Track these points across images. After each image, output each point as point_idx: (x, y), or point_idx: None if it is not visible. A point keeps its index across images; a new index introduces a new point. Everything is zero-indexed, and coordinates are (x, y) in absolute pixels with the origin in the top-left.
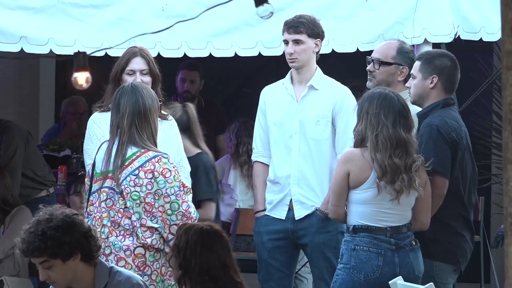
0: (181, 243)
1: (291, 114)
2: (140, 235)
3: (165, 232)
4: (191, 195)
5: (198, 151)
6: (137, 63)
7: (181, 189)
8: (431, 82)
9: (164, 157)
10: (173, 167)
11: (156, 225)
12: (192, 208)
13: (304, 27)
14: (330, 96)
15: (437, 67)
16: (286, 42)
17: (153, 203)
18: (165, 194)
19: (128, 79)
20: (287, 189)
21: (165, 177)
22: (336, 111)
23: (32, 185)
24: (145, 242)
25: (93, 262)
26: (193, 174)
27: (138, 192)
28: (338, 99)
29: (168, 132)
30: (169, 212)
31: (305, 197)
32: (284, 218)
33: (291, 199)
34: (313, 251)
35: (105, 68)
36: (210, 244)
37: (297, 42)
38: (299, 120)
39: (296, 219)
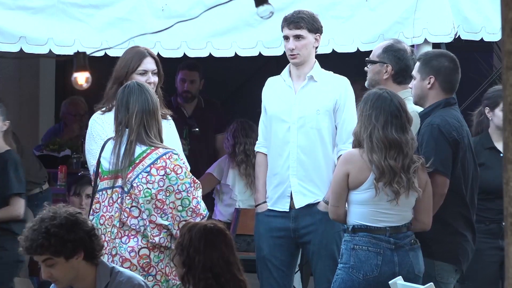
0: (185, 241)
1: (290, 105)
2: (149, 233)
3: (174, 229)
4: (200, 190)
5: (8, 148)
6: (149, 63)
7: (192, 185)
8: (429, 83)
9: (175, 154)
10: (184, 163)
11: (166, 222)
12: (202, 204)
13: (304, 22)
14: (333, 88)
15: (434, 67)
16: (286, 38)
17: (164, 200)
18: (177, 191)
19: (140, 79)
20: (287, 181)
21: (176, 174)
22: (340, 102)
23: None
24: (153, 241)
25: (95, 262)
26: (1, 170)
27: (150, 189)
28: (342, 90)
29: (167, 130)
30: (180, 208)
31: (305, 188)
32: (287, 210)
33: (291, 190)
34: (316, 248)
35: (105, 68)
36: (214, 241)
37: (298, 37)
38: (298, 111)
39: (296, 207)
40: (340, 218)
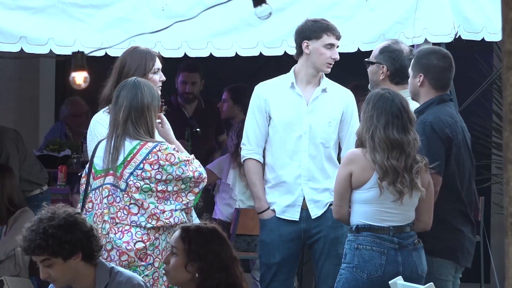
0: (200, 246)
1: (301, 114)
2: (163, 219)
3: (184, 202)
4: (196, 161)
5: None
6: (159, 62)
7: (187, 164)
8: (419, 81)
9: (163, 144)
10: (173, 149)
11: (170, 207)
12: (200, 168)
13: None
14: (341, 99)
15: (423, 65)
16: (331, 46)
17: (165, 189)
18: (176, 176)
19: (155, 78)
20: (298, 190)
21: (171, 162)
22: (347, 114)
23: (25, 186)
24: (169, 222)
25: (94, 262)
26: None
27: (148, 184)
28: (349, 103)
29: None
30: (183, 186)
31: (319, 195)
32: (297, 219)
33: (303, 199)
34: (325, 247)
35: (104, 68)
36: (223, 239)
37: (336, 48)
38: (310, 121)
39: (312, 218)
40: (344, 217)
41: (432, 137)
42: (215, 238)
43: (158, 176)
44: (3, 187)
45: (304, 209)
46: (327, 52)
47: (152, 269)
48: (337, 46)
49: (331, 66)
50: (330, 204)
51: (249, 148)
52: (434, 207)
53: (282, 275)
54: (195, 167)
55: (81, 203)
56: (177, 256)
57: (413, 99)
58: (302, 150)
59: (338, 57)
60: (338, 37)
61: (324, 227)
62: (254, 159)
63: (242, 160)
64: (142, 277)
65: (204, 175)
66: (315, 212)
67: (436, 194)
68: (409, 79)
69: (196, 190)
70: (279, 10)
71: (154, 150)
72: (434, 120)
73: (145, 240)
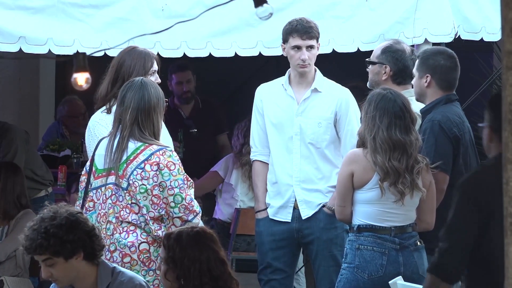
0: (177, 253)
1: (291, 115)
2: (152, 228)
3: (167, 224)
4: (193, 189)
5: None
6: (156, 64)
7: (185, 182)
8: (426, 81)
9: (168, 150)
10: (177, 160)
11: (162, 213)
12: (195, 202)
13: (313, 31)
14: (333, 99)
15: (430, 66)
16: (298, 47)
17: (160, 195)
18: (169, 187)
19: (152, 79)
20: (290, 191)
21: (169, 170)
22: (340, 113)
23: (31, 185)
24: (157, 234)
25: (96, 262)
26: None
27: (145, 185)
28: (342, 102)
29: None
30: (172, 204)
31: (310, 196)
32: (289, 221)
33: (295, 200)
34: (319, 249)
35: (105, 68)
36: (207, 243)
37: (310, 47)
38: (300, 122)
39: (303, 218)
40: (347, 218)
41: (440, 136)
42: (195, 243)
43: (155, 179)
44: (14, 183)
45: (296, 209)
46: (295, 54)
47: (154, 275)
48: (309, 46)
49: (305, 66)
50: (323, 206)
51: (255, 150)
52: (440, 206)
53: (279, 274)
54: (191, 193)
55: (80, 201)
56: (162, 264)
57: (418, 100)
58: (294, 151)
59: (306, 57)
60: (306, 37)
61: (316, 229)
62: (260, 161)
63: (252, 161)
64: None
65: (195, 208)
66: (306, 212)
67: (443, 193)
68: (414, 80)
69: (185, 218)
70: (279, 10)
71: (157, 153)
72: (442, 119)
73: (150, 242)
